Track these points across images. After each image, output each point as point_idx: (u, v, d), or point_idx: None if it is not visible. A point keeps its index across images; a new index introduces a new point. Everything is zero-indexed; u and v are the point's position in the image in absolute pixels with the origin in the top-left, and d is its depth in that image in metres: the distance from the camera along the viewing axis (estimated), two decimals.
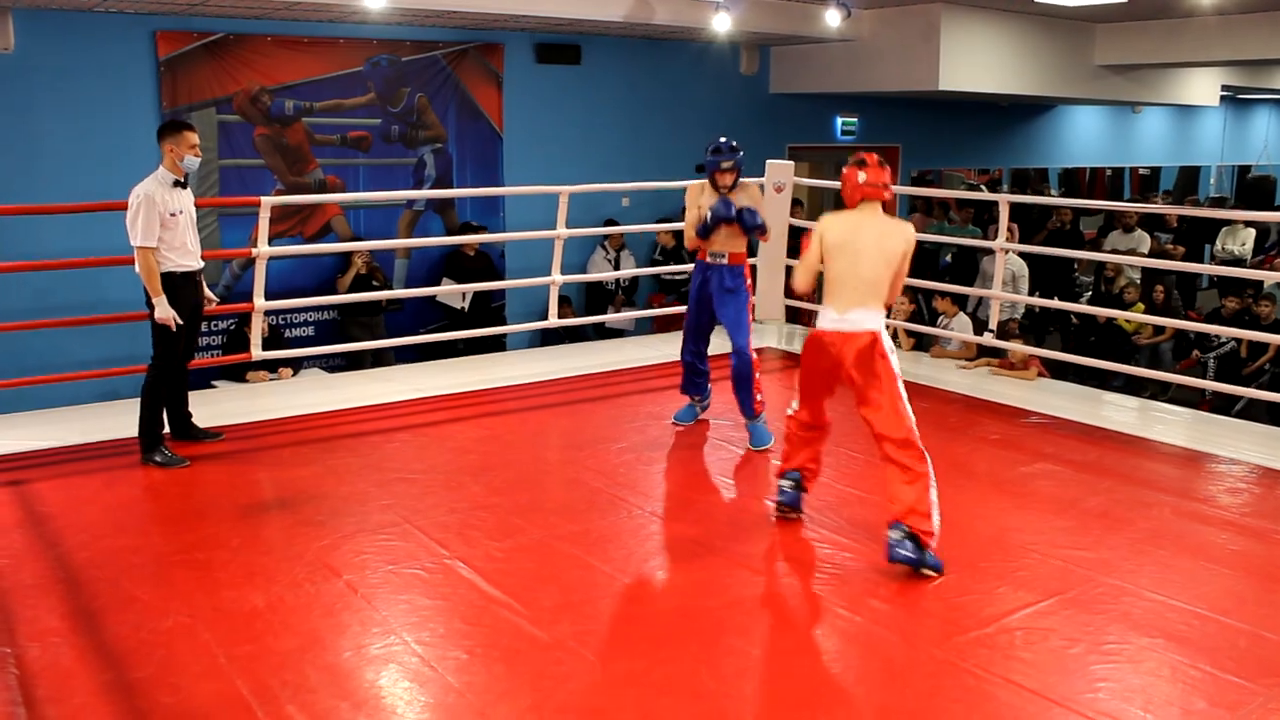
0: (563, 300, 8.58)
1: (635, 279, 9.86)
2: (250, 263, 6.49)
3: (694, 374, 5.83)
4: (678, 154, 9.65)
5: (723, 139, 5.38)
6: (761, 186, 7.22)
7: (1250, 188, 18.00)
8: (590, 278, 8.82)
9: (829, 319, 4.12)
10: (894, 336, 7.93)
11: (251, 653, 3.38)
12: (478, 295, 9.17)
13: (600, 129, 10.14)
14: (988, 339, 7.23)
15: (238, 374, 7.33)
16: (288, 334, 8.55)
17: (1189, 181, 17.24)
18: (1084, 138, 15.34)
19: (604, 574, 4.07)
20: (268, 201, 6.22)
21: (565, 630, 3.56)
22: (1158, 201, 14.40)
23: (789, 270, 7.16)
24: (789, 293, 7.53)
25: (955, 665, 3.38)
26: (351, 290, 8.29)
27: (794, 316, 8.47)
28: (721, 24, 8.75)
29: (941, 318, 7.82)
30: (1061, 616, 3.70)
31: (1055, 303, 8.93)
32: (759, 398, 5.50)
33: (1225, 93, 14.83)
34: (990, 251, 8.27)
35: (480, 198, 9.41)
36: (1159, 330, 9.71)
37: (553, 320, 7.50)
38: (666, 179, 8.24)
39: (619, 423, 5.89)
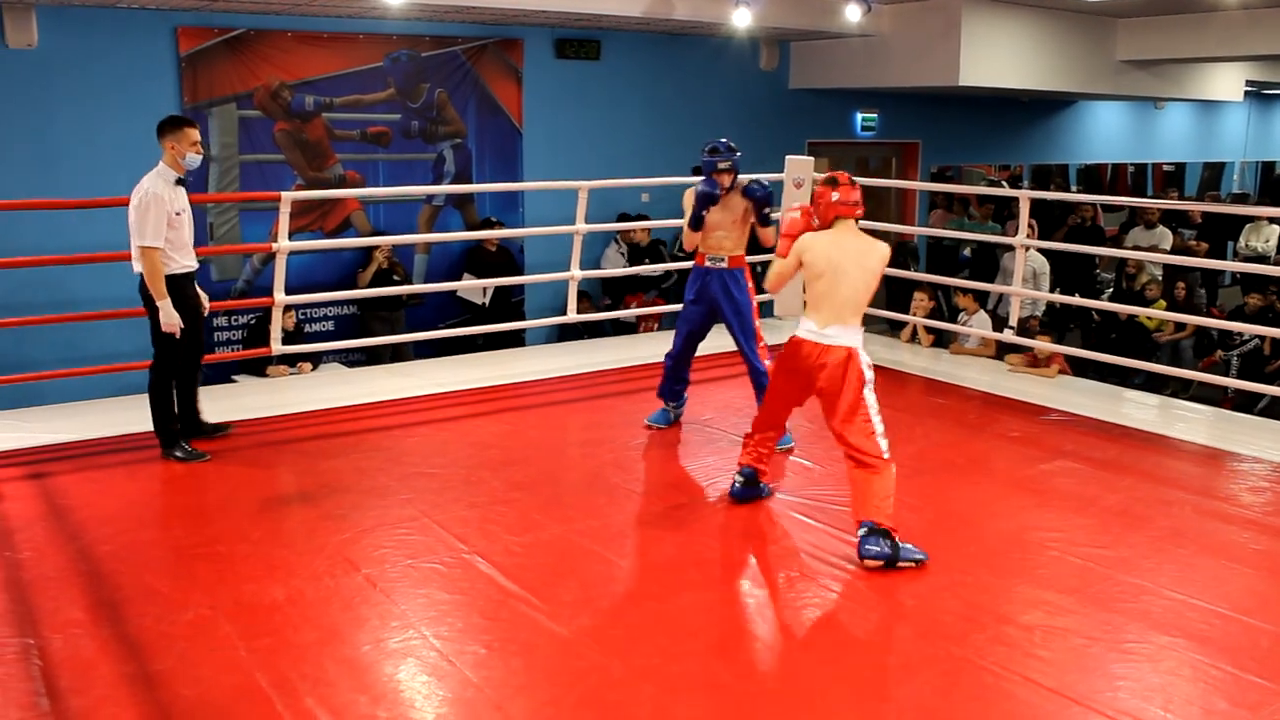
0: (581, 295, 8.59)
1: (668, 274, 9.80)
2: (270, 257, 6.52)
3: (674, 381, 5.73)
4: (697, 150, 9.54)
5: (720, 139, 5.37)
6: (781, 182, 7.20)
7: (1275, 184, 17.84)
8: (609, 273, 8.82)
9: (808, 329, 4.23)
10: (913, 334, 7.92)
11: (271, 645, 3.41)
12: (499, 290, 9.19)
13: (619, 124, 10.13)
14: (1007, 335, 7.19)
15: (258, 368, 7.39)
16: (307, 329, 8.59)
17: (1212, 178, 17.09)
18: (1105, 133, 15.23)
19: (622, 569, 4.08)
20: (288, 196, 6.26)
21: (584, 625, 3.57)
22: (1174, 197, 14.26)
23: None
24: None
25: (973, 663, 3.37)
26: (372, 285, 8.33)
27: None
28: (741, 19, 8.73)
29: (962, 314, 7.79)
30: (1081, 615, 3.69)
31: (1076, 299, 8.88)
32: None
33: (1249, 88, 14.69)
34: (1011, 248, 8.22)
35: (499, 193, 9.44)
36: (1180, 327, 9.64)
37: (572, 315, 7.52)
38: (686, 174, 8.23)
39: (638, 418, 5.88)
